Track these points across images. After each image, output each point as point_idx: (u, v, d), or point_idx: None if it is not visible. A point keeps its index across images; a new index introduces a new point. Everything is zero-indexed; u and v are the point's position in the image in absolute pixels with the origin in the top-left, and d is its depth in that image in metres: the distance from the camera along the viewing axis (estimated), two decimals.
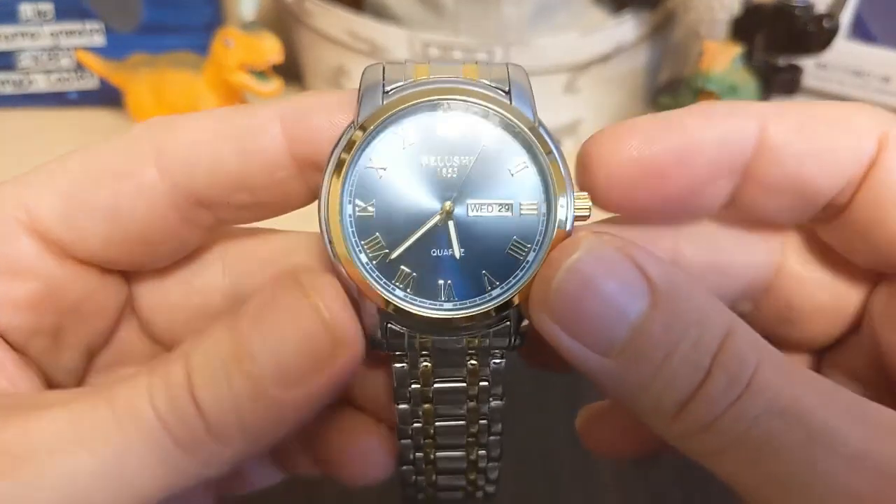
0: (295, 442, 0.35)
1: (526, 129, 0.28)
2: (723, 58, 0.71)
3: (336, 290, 0.27)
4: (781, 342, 0.34)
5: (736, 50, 0.72)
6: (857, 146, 0.28)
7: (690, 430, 0.25)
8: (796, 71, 0.76)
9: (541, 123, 0.28)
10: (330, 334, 0.26)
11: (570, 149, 0.80)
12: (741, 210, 0.31)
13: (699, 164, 0.28)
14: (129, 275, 0.33)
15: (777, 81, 0.76)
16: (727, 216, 0.32)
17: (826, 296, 0.33)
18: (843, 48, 0.77)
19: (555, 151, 0.28)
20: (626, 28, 0.76)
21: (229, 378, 0.25)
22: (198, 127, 0.29)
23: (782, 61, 0.76)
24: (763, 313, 0.34)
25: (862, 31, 0.79)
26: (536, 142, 0.28)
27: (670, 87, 0.87)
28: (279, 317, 0.26)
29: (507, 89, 0.28)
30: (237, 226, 0.33)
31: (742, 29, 0.75)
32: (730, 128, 0.29)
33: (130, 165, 0.29)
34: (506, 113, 0.27)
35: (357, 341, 0.27)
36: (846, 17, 0.77)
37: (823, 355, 0.35)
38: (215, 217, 0.31)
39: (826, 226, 0.31)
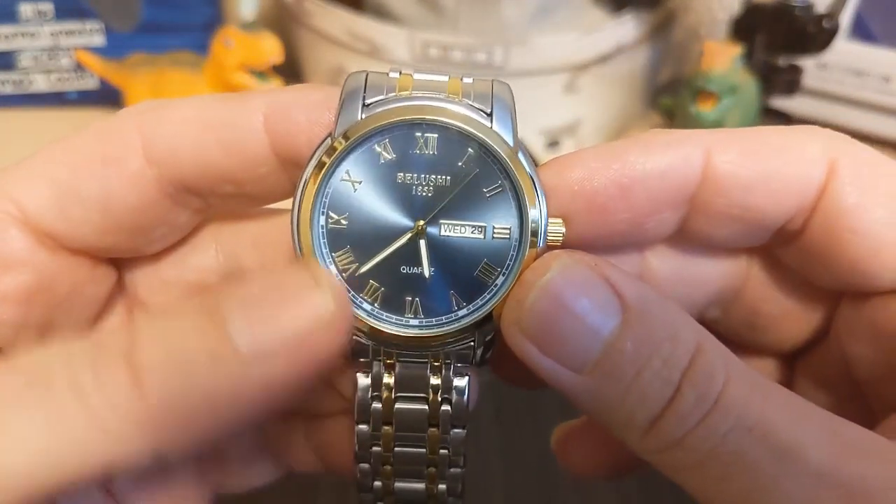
0: (300, 435, 0.36)
1: (503, 154, 0.27)
2: (723, 58, 0.71)
3: (337, 284, 0.27)
4: (750, 347, 0.35)
5: (736, 50, 0.72)
6: (805, 174, 0.28)
7: (661, 445, 0.25)
8: (796, 71, 0.76)
9: (521, 147, 0.28)
10: (327, 314, 0.25)
11: (570, 150, 0.80)
12: (692, 238, 0.31)
13: (641, 197, 0.28)
14: (121, 262, 0.33)
15: (777, 81, 0.76)
16: (681, 243, 0.32)
17: (792, 302, 0.33)
18: (844, 48, 0.77)
19: (531, 177, 0.28)
20: (626, 28, 0.76)
21: (183, 332, 0.24)
22: (183, 116, 0.29)
23: (782, 61, 0.76)
24: (731, 319, 0.34)
25: (862, 31, 0.79)
26: (513, 167, 0.27)
27: (670, 88, 0.87)
28: (269, 287, 0.25)
29: (489, 111, 0.28)
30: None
31: (742, 29, 0.75)
32: (673, 159, 0.28)
33: (118, 152, 0.29)
34: (484, 137, 0.27)
35: (343, 339, 0.26)
36: (846, 17, 0.77)
37: (795, 362, 0.35)
38: (205, 202, 0.31)
39: (783, 249, 0.31)
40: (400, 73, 0.29)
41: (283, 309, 0.25)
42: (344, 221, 0.28)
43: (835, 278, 0.30)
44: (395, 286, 0.28)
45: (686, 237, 0.31)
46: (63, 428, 0.23)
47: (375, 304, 0.28)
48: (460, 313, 0.28)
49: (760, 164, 0.28)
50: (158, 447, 0.24)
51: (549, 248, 0.28)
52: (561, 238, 0.28)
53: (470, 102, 0.28)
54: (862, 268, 0.28)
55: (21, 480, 0.23)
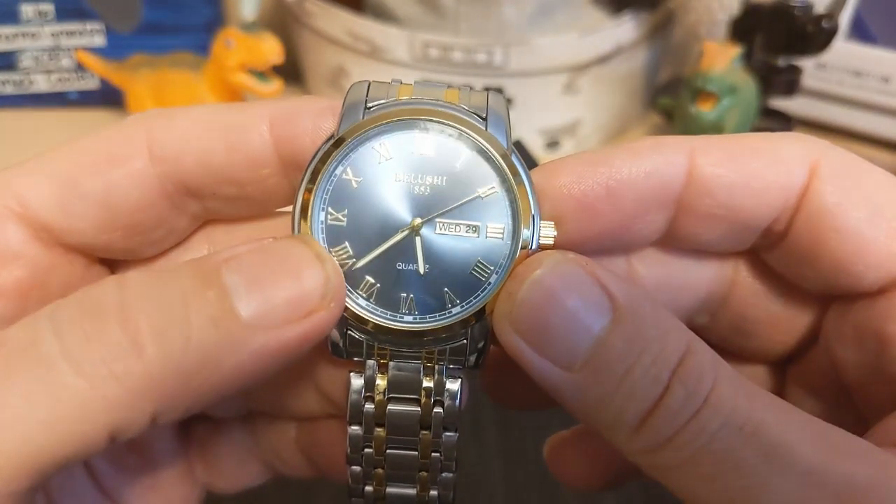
0: (289, 439, 0.36)
1: (498, 155, 0.28)
2: (722, 58, 0.71)
3: (334, 259, 0.28)
4: (739, 353, 0.35)
5: (735, 50, 0.72)
6: (787, 174, 0.29)
7: (650, 444, 0.25)
8: (796, 71, 0.76)
9: (513, 151, 0.29)
10: (328, 287, 0.26)
11: (569, 150, 0.80)
12: (680, 242, 0.32)
13: (628, 198, 0.29)
14: (114, 264, 0.33)
15: (776, 82, 0.76)
16: (670, 246, 0.32)
17: (780, 307, 0.33)
18: (843, 48, 0.78)
19: (524, 179, 0.29)
20: (626, 28, 0.76)
21: (181, 296, 0.24)
22: (190, 119, 0.30)
23: (782, 62, 0.76)
24: (720, 325, 0.34)
25: (861, 31, 0.79)
26: (507, 168, 0.28)
27: (670, 88, 0.87)
28: (269, 255, 0.26)
29: (483, 116, 0.29)
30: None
31: (741, 29, 0.75)
32: (657, 162, 0.29)
33: (123, 152, 0.29)
34: (480, 138, 0.28)
35: (340, 304, 0.27)
36: (845, 18, 0.77)
37: (786, 369, 0.35)
38: (204, 207, 0.31)
39: (770, 253, 0.32)
40: (401, 82, 0.30)
41: (285, 280, 0.25)
42: (343, 218, 0.29)
43: (821, 279, 0.30)
44: (390, 282, 0.29)
45: (674, 240, 0.32)
46: (60, 398, 0.23)
47: (371, 300, 0.29)
48: (454, 310, 0.29)
49: (743, 165, 0.29)
50: (158, 410, 0.24)
51: (541, 248, 0.29)
52: (552, 239, 0.29)
53: (466, 108, 0.29)
54: (847, 267, 0.29)
55: (22, 459, 0.22)
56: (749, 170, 0.29)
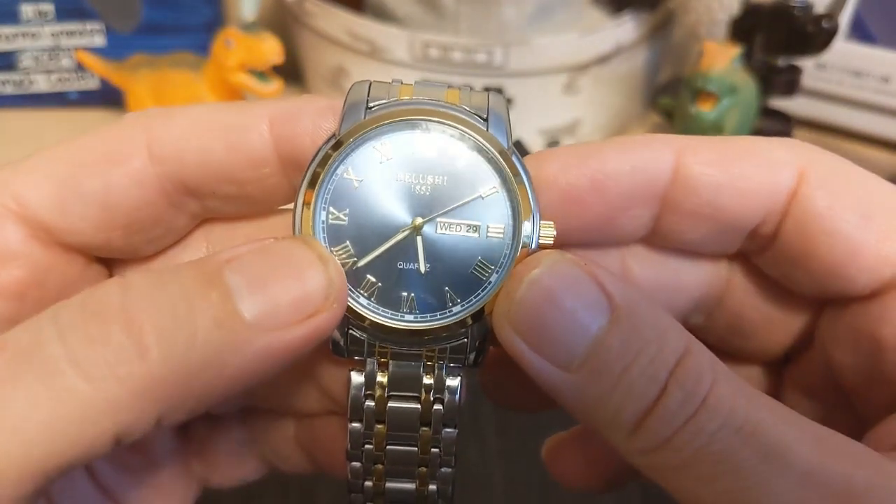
0: (288, 435, 0.36)
1: (498, 155, 0.29)
2: (722, 58, 0.71)
3: (336, 260, 0.28)
4: (735, 354, 0.35)
5: (735, 50, 0.72)
6: (774, 177, 0.29)
7: (649, 445, 0.25)
8: (795, 71, 0.76)
9: (514, 151, 0.29)
10: (330, 289, 0.26)
11: None
12: (666, 240, 0.32)
13: (614, 191, 0.29)
14: (112, 262, 0.33)
15: (776, 82, 0.76)
16: (655, 245, 0.33)
17: (776, 308, 0.33)
18: (843, 48, 0.78)
19: (525, 179, 0.29)
20: (626, 28, 0.76)
21: (184, 297, 0.24)
22: (190, 118, 0.30)
23: (782, 62, 0.76)
24: (715, 325, 0.34)
25: (861, 31, 0.79)
26: (508, 168, 0.29)
27: (670, 88, 0.87)
28: (271, 255, 0.26)
29: (484, 116, 0.29)
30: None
31: (741, 29, 0.76)
32: (644, 157, 0.29)
33: (122, 151, 0.29)
34: (480, 138, 0.29)
35: (342, 305, 0.27)
36: (845, 18, 0.77)
37: (783, 370, 0.35)
38: (203, 206, 0.31)
39: (760, 257, 0.32)
40: (402, 82, 0.30)
41: (288, 281, 0.25)
42: (344, 217, 0.29)
43: (813, 283, 0.30)
44: (391, 281, 0.29)
45: (660, 238, 0.32)
46: (64, 401, 0.23)
47: (372, 299, 0.29)
48: (454, 309, 0.29)
49: (730, 165, 0.29)
50: (163, 412, 0.24)
51: (541, 248, 0.29)
52: (552, 239, 0.29)
53: (467, 108, 0.29)
54: (838, 271, 0.29)
55: (26, 462, 0.22)
56: (736, 170, 0.29)
